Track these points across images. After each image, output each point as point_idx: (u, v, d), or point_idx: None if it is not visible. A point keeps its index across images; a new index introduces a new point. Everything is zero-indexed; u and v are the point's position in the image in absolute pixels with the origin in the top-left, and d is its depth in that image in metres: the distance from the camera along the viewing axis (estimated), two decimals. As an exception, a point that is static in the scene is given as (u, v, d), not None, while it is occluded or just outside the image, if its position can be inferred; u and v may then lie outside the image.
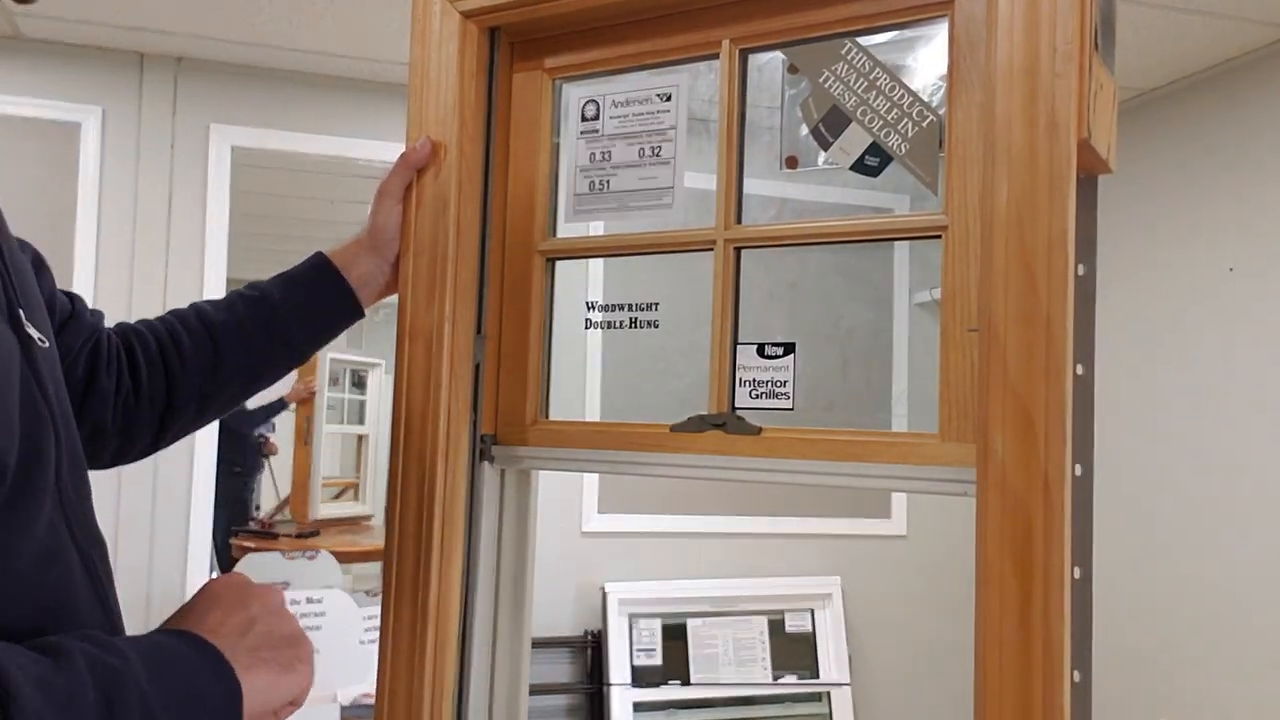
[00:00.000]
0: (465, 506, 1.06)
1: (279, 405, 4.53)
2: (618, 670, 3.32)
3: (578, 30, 1.06)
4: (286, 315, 1.04)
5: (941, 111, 0.89)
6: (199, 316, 1.03)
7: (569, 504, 3.45)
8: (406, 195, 1.05)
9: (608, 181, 1.06)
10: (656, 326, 1.07)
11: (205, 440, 3.21)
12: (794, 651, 3.53)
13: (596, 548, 3.49)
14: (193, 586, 3.16)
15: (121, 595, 0.75)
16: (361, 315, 1.08)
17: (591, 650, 3.43)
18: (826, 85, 0.95)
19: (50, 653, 0.56)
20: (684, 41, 1.01)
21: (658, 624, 3.44)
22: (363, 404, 4.19)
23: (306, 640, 0.73)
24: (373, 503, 4.00)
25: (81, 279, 3.09)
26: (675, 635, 3.44)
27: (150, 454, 1.03)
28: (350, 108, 3.37)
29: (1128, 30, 2.78)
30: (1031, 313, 0.75)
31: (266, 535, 3.29)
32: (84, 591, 0.67)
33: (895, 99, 0.92)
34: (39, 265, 0.87)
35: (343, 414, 4.07)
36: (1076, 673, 0.76)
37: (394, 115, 3.35)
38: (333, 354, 4.10)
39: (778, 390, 0.96)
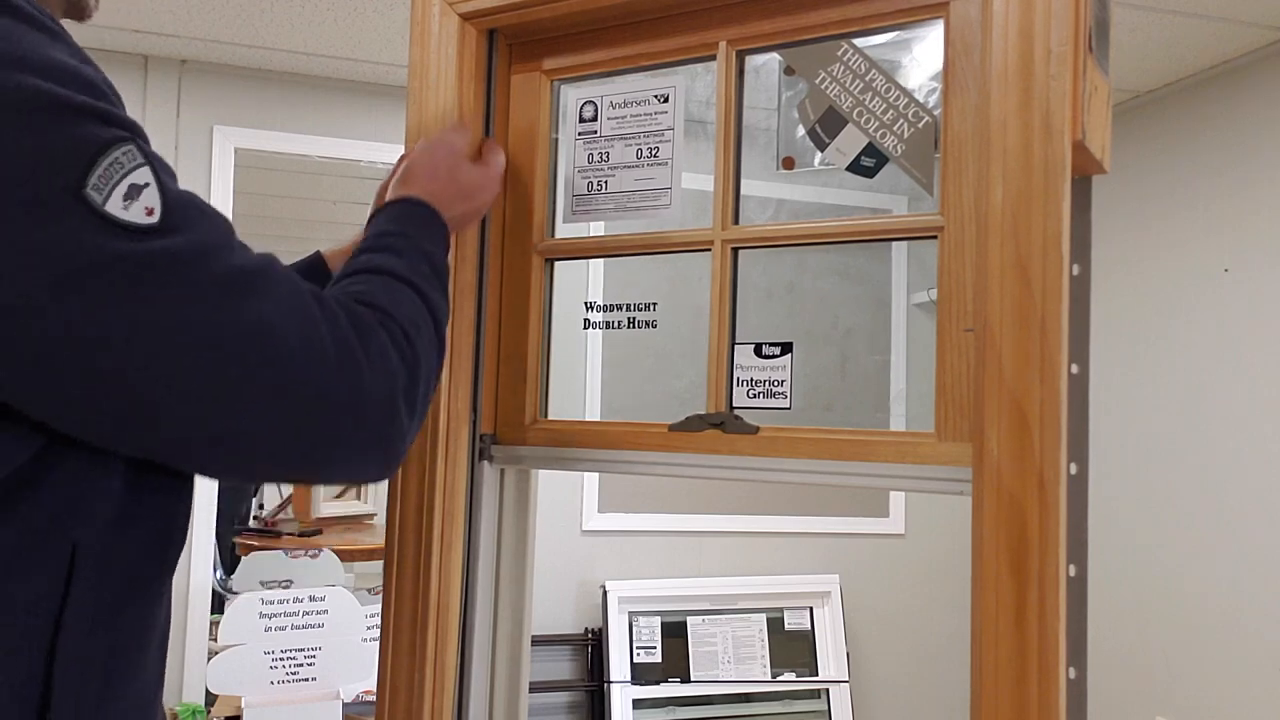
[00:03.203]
0: (465, 506, 1.06)
1: None
2: (618, 667, 3.33)
3: (576, 32, 1.07)
4: None
5: (937, 113, 0.89)
6: None
7: (569, 503, 3.46)
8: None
9: (606, 182, 1.07)
10: (655, 326, 1.08)
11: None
12: (793, 649, 3.54)
13: (596, 546, 3.50)
14: (195, 586, 3.17)
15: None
16: None
17: (592, 648, 3.44)
18: (823, 86, 0.95)
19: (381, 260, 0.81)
20: (681, 43, 1.02)
21: (657, 622, 3.45)
22: (363, 403, 4.20)
23: (487, 182, 1.01)
24: (374, 501, 4.00)
25: (83, 279, 3.08)
26: (675, 633, 3.45)
27: None
28: (351, 110, 3.37)
29: (1123, 32, 2.78)
30: (1027, 313, 0.76)
31: (269, 534, 3.29)
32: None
33: (891, 100, 0.93)
34: None
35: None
36: (1072, 670, 0.76)
37: (394, 117, 3.36)
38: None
39: (775, 390, 0.96)
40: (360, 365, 0.67)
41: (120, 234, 0.57)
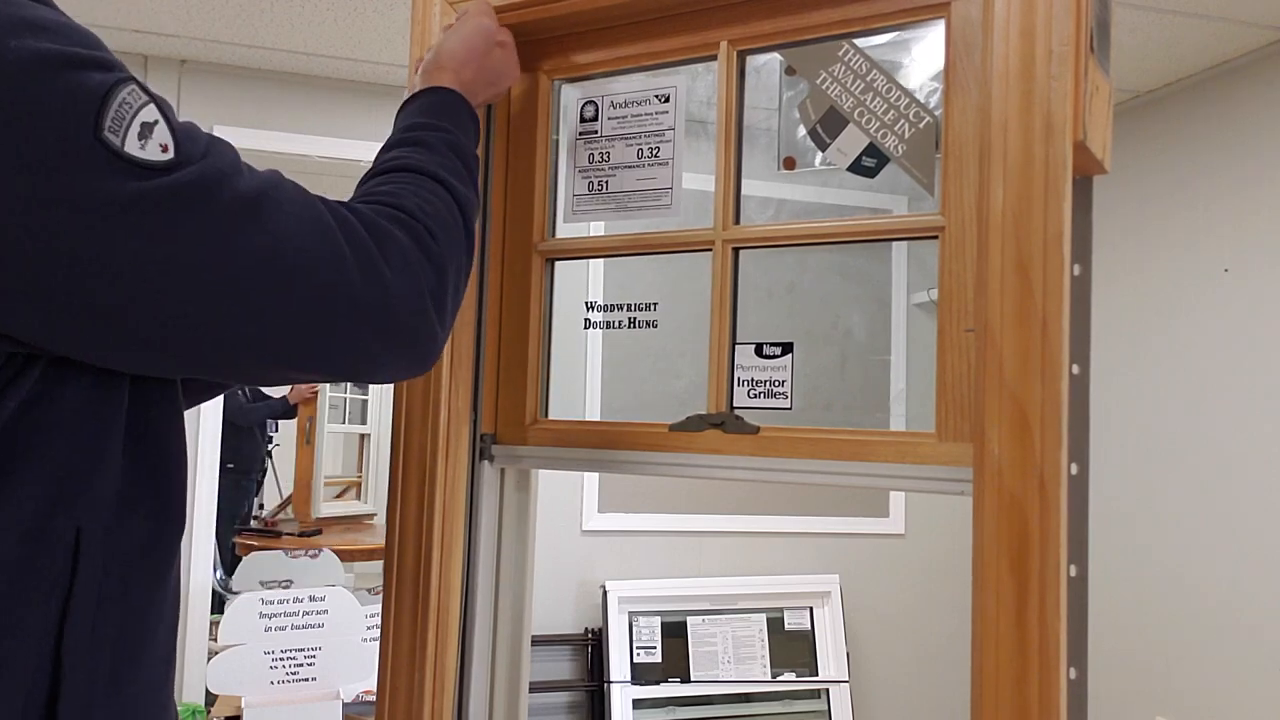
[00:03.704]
0: (465, 506, 1.06)
1: (282, 406, 4.53)
2: (618, 667, 3.33)
3: (576, 32, 1.07)
4: None
5: (938, 113, 0.89)
6: None
7: (569, 503, 3.46)
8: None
9: (606, 182, 1.07)
10: (655, 326, 1.08)
11: (209, 439, 3.22)
12: (793, 649, 3.54)
13: (596, 546, 3.50)
14: (196, 585, 3.16)
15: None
16: None
17: (592, 648, 3.44)
18: (824, 87, 0.95)
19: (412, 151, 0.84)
20: (682, 43, 1.02)
21: (657, 621, 3.45)
22: (364, 403, 4.19)
23: (509, 67, 1.02)
24: (374, 502, 4.00)
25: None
26: (675, 633, 3.45)
27: None
28: (351, 110, 3.37)
29: (1124, 33, 2.78)
30: (1027, 313, 0.76)
31: (269, 534, 3.29)
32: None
33: (892, 100, 0.93)
34: None
35: (344, 414, 4.07)
36: (1072, 670, 0.76)
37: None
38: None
39: (776, 390, 0.96)
40: (380, 268, 0.69)
41: (142, 173, 0.59)
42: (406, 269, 0.71)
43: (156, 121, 0.61)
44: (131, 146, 0.59)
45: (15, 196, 0.55)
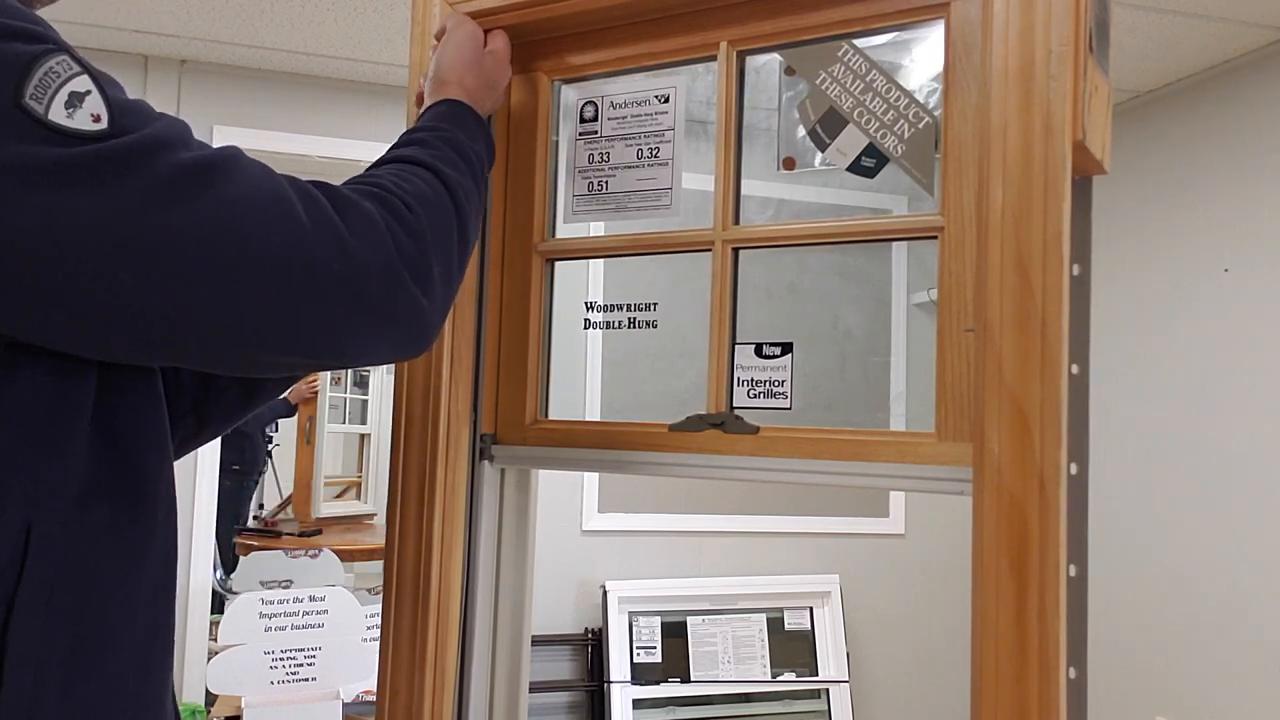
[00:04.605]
0: (465, 506, 1.06)
1: (283, 407, 4.54)
2: (618, 667, 3.33)
3: (576, 32, 1.07)
4: None
5: (937, 113, 0.89)
6: None
7: (569, 503, 3.46)
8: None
9: (606, 182, 1.07)
10: (655, 326, 1.08)
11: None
12: (793, 649, 3.54)
13: (597, 546, 3.50)
14: (196, 585, 3.17)
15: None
16: None
17: (592, 648, 3.44)
18: (823, 87, 0.95)
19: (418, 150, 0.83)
20: (682, 43, 1.02)
21: (657, 621, 3.45)
22: (365, 404, 4.19)
23: (501, 68, 1.02)
24: (375, 502, 4.00)
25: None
26: (675, 633, 3.45)
27: None
28: (351, 110, 3.37)
29: (1123, 32, 2.78)
30: (1027, 313, 0.76)
31: (269, 534, 3.29)
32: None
33: (891, 101, 0.93)
34: None
35: (344, 414, 4.07)
36: (1072, 669, 0.76)
37: (394, 117, 3.36)
38: (334, 354, 4.07)
39: (776, 390, 0.96)
40: (342, 237, 0.65)
41: (67, 141, 0.57)
42: (374, 237, 0.67)
43: (89, 92, 0.59)
44: (56, 114, 0.57)
45: None
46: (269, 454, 4.94)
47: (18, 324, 0.59)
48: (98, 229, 0.57)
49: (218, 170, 0.62)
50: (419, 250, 0.71)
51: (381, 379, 4.55)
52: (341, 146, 3.34)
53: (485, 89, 0.98)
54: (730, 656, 3.47)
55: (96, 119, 0.58)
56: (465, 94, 0.94)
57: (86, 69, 0.60)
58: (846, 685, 3.50)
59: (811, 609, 3.59)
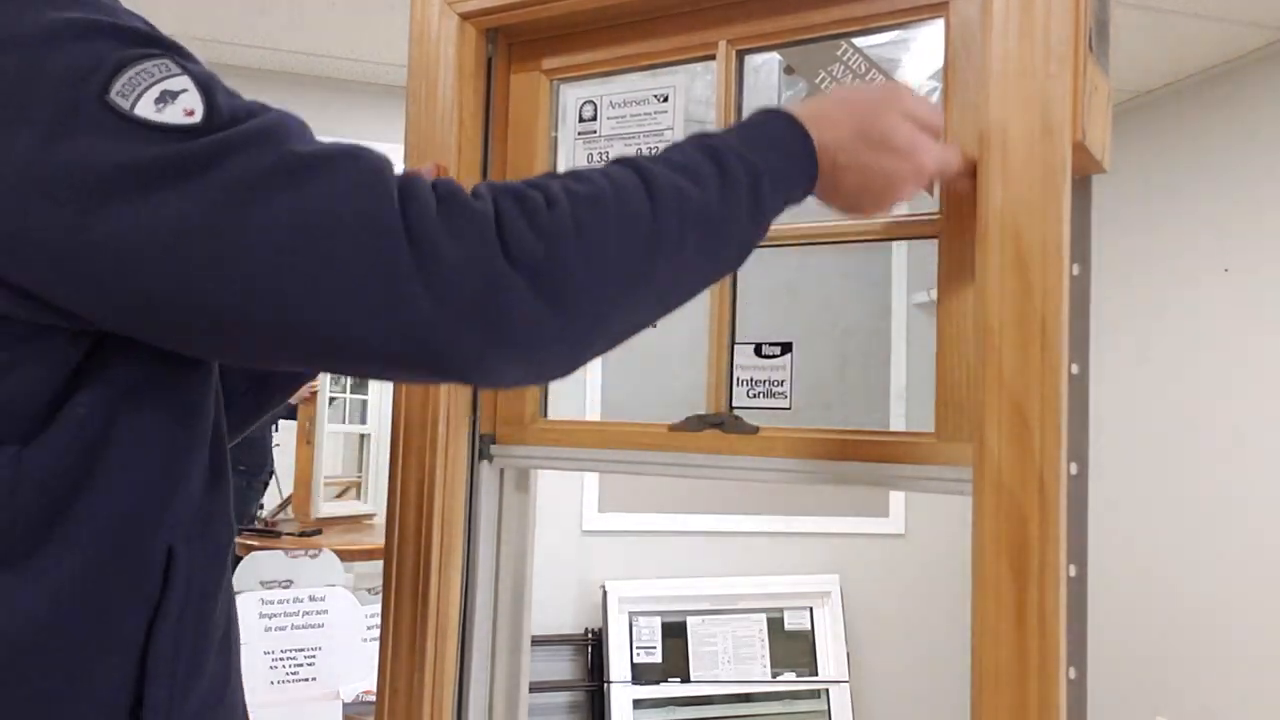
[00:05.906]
0: (465, 506, 1.06)
1: (286, 407, 4.54)
2: (618, 667, 3.33)
3: (575, 31, 1.07)
4: None
5: (937, 113, 0.89)
6: None
7: (569, 503, 3.46)
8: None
9: (606, 182, 1.07)
10: (655, 326, 1.07)
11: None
12: (793, 649, 3.54)
13: (596, 546, 3.50)
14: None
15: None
16: None
17: (592, 648, 3.44)
18: (823, 86, 0.95)
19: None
20: (681, 43, 1.02)
21: (657, 622, 3.45)
22: (364, 403, 4.19)
23: (918, 150, 0.77)
24: (374, 502, 4.00)
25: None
26: (675, 633, 3.45)
27: None
28: (351, 110, 3.38)
29: (1123, 33, 2.78)
30: (1027, 313, 0.75)
31: (269, 534, 3.29)
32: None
33: (891, 100, 0.92)
34: None
35: (344, 413, 4.07)
36: (1072, 670, 0.76)
37: (394, 117, 3.35)
38: (333, 353, 4.06)
39: (775, 390, 0.96)
40: (434, 233, 0.57)
41: (155, 135, 0.55)
42: (466, 231, 0.58)
43: (184, 90, 0.57)
44: (143, 109, 0.55)
45: (32, 162, 0.54)
46: (270, 456, 4.94)
47: (79, 302, 0.57)
48: (182, 221, 0.54)
49: (322, 167, 0.57)
50: (550, 257, 0.59)
51: (381, 379, 4.53)
52: (341, 146, 3.34)
53: (860, 140, 0.75)
54: (730, 656, 3.47)
55: (190, 113, 0.56)
56: (814, 122, 0.74)
57: (188, 71, 0.58)
58: (846, 685, 3.50)
59: (811, 609, 3.59)
